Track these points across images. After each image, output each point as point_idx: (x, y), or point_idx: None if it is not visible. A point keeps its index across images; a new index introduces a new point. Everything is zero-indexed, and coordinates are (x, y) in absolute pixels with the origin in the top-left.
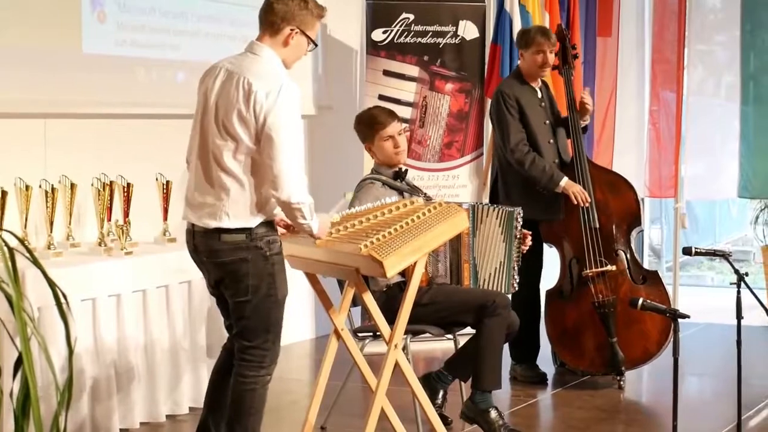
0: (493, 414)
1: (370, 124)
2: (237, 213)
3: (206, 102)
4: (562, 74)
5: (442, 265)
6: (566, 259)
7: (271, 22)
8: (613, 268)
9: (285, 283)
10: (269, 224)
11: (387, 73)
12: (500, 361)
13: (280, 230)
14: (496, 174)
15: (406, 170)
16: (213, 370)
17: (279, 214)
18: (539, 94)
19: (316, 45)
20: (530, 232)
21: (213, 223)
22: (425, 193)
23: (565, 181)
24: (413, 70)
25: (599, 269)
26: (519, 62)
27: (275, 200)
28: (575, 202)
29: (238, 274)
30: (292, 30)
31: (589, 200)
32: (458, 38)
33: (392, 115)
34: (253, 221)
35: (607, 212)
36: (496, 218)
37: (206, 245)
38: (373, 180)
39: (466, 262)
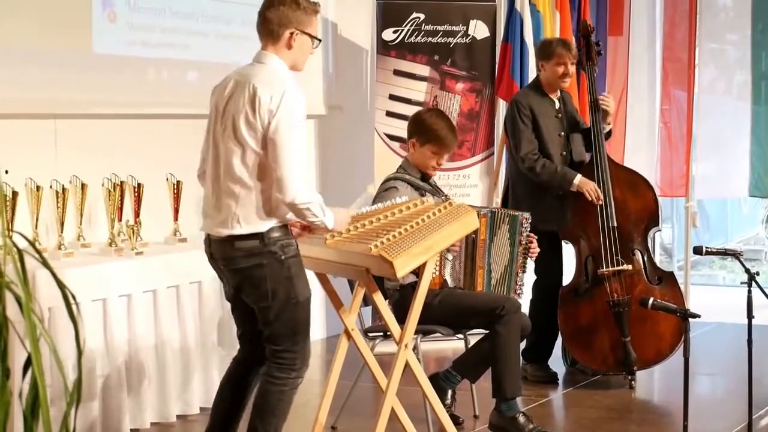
0: (522, 419)
1: (432, 136)
2: (248, 219)
3: (217, 112)
4: (586, 70)
5: (456, 271)
6: (582, 257)
7: (269, 30)
8: (629, 267)
9: (306, 285)
10: (283, 228)
11: (397, 72)
12: (518, 367)
13: (296, 231)
14: (507, 183)
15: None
16: (222, 381)
17: (293, 216)
18: (557, 105)
19: (320, 40)
20: (535, 237)
21: (225, 231)
22: (446, 195)
23: (579, 179)
24: (424, 70)
25: (615, 268)
26: (539, 73)
27: (282, 203)
28: (589, 199)
29: (255, 280)
30: (291, 33)
31: (602, 198)
32: (469, 38)
33: (456, 140)
34: (265, 226)
35: (625, 211)
36: (507, 223)
37: (222, 253)
38: (398, 181)
39: (481, 268)
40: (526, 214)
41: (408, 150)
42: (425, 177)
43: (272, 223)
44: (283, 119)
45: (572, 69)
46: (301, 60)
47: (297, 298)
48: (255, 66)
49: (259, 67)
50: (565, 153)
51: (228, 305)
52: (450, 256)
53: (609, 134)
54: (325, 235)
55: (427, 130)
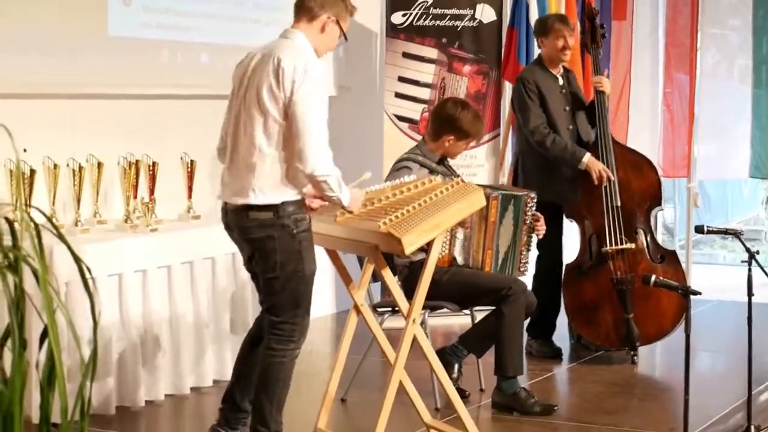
0: (523, 394)
1: (471, 133)
2: (264, 189)
3: (240, 83)
4: (590, 53)
5: (465, 250)
6: (586, 235)
7: (308, 8)
8: (633, 246)
9: (313, 260)
10: (298, 202)
11: (406, 55)
12: (521, 346)
13: (314, 203)
14: (517, 159)
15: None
16: (243, 341)
17: (310, 190)
18: (560, 81)
19: (347, 39)
20: (541, 216)
21: (241, 200)
22: (459, 176)
23: (587, 157)
24: (432, 53)
25: (619, 246)
26: (540, 50)
27: (301, 174)
28: (596, 182)
29: (266, 251)
30: (328, 18)
31: (612, 178)
32: (476, 21)
33: (483, 127)
34: (280, 197)
35: (629, 191)
36: (512, 204)
37: (236, 222)
38: (411, 161)
39: (490, 249)
40: (532, 194)
41: (438, 143)
42: (442, 160)
43: (287, 195)
44: (306, 90)
45: (571, 42)
46: (324, 48)
47: (303, 272)
48: (281, 41)
49: (284, 42)
50: (571, 128)
51: (241, 281)
52: (460, 235)
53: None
54: (335, 213)
55: (463, 129)
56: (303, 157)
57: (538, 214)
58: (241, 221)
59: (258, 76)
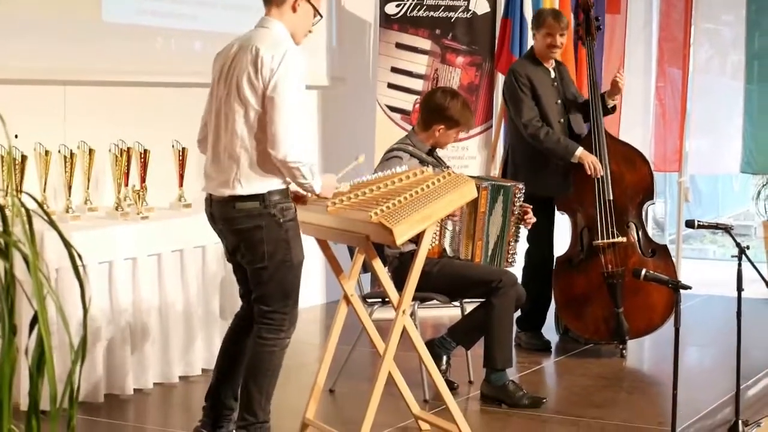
0: (511, 386)
1: (461, 122)
2: (249, 179)
3: (221, 76)
4: (585, 45)
5: (455, 241)
6: (578, 229)
7: None
8: (624, 239)
9: (301, 248)
10: (283, 192)
11: (399, 46)
12: (511, 339)
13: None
14: (507, 152)
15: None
16: (224, 337)
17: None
18: (552, 74)
19: (321, 15)
20: (530, 206)
21: (227, 192)
22: (449, 167)
23: (580, 150)
24: (425, 44)
25: (610, 240)
26: (533, 42)
27: (273, 159)
28: (588, 172)
29: (253, 241)
30: None
31: (602, 172)
32: (470, 12)
33: (472, 115)
34: (265, 187)
35: (621, 185)
36: (501, 194)
37: (222, 213)
38: (401, 151)
39: (480, 240)
40: (520, 185)
41: (429, 134)
42: (431, 150)
43: (273, 184)
44: (282, 77)
45: (560, 40)
46: (301, 30)
47: (291, 261)
48: (258, 30)
49: (262, 31)
50: (562, 121)
51: (230, 270)
52: (450, 226)
53: (613, 109)
54: (326, 202)
55: (453, 117)
56: (275, 142)
57: (527, 205)
58: (227, 212)
59: (237, 67)
